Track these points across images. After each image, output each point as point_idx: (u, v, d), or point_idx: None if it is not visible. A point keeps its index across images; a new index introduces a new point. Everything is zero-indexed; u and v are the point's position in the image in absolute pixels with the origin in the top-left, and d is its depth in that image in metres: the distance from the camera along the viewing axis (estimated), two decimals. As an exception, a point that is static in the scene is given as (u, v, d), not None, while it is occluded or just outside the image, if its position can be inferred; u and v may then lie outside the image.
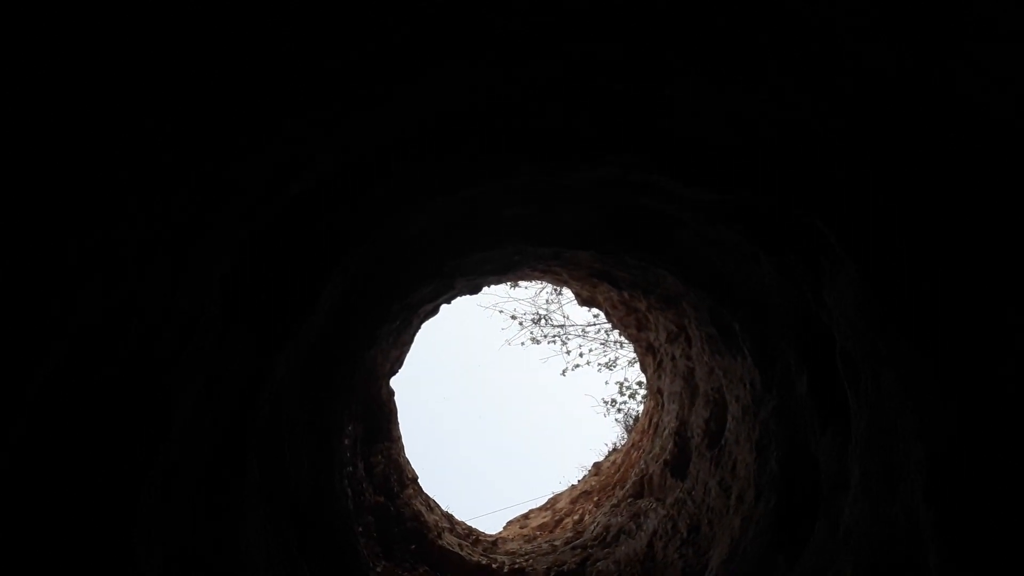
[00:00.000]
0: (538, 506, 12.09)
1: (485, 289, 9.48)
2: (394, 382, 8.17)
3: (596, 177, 4.23)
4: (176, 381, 2.61)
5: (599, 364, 14.50)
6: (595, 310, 11.06)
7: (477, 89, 3.18)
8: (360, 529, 6.33)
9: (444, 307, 8.43)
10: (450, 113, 3.36)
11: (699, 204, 4.32)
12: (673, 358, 8.26)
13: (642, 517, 7.68)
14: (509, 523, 11.50)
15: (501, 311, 14.43)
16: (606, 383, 16.25)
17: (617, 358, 14.26)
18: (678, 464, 7.62)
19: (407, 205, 3.90)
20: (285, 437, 4.61)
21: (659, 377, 8.93)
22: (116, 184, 1.99)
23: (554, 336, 14.55)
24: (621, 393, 14.02)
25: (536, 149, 3.75)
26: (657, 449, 8.42)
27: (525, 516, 11.71)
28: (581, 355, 14.51)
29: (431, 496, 8.75)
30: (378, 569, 6.57)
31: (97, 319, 1.89)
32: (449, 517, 8.85)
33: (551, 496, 12.30)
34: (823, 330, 4.79)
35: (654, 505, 7.65)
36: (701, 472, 7.03)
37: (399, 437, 8.23)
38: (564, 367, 14.60)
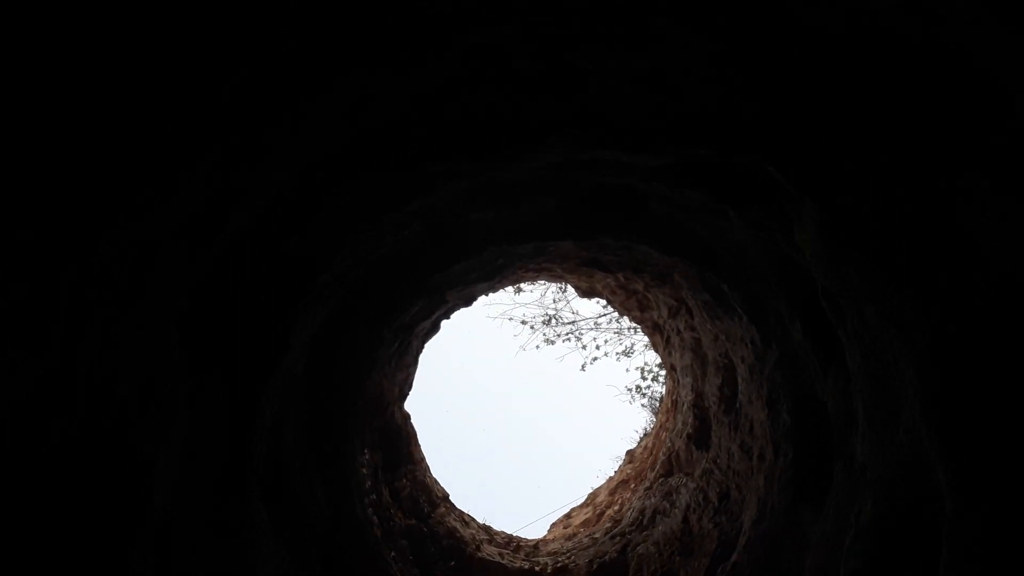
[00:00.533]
0: (579, 503, 12.04)
1: (487, 298, 9.52)
2: (415, 404, 8.22)
3: (549, 162, 4.25)
4: (147, 436, 2.65)
5: (616, 353, 14.49)
6: (601, 300, 11.10)
7: (415, 95, 3.21)
8: (393, 554, 6.35)
9: (445, 323, 8.51)
10: (389, 122, 3.40)
11: (657, 171, 4.33)
12: (679, 332, 8.24)
13: (674, 494, 7.65)
14: (553, 525, 11.45)
15: (510, 318, 14.44)
16: (627, 370, 16.16)
17: (633, 344, 14.24)
18: (700, 435, 7.59)
19: (364, 222, 3.94)
20: (291, 473, 4.64)
21: (670, 354, 8.91)
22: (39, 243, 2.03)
23: (567, 334, 14.55)
24: (643, 378, 14.00)
25: (483, 143, 3.77)
26: (680, 424, 8.39)
27: (568, 516, 11.66)
28: (598, 347, 14.51)
29: (465, 512, 8.75)
30: (419, 591, 6.58)
31: (40, 371, 1.92)
32: (487, 528, 8.84)
33: (590, 492, 12.26)
34: (804, 274, 4.78)
35: (684, 480, 7.61)
36: (722, 439, 6.99)
37: (422, 459, 8.24)
38: (583, 362, 14.61)
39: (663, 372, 12.86)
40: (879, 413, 4.26)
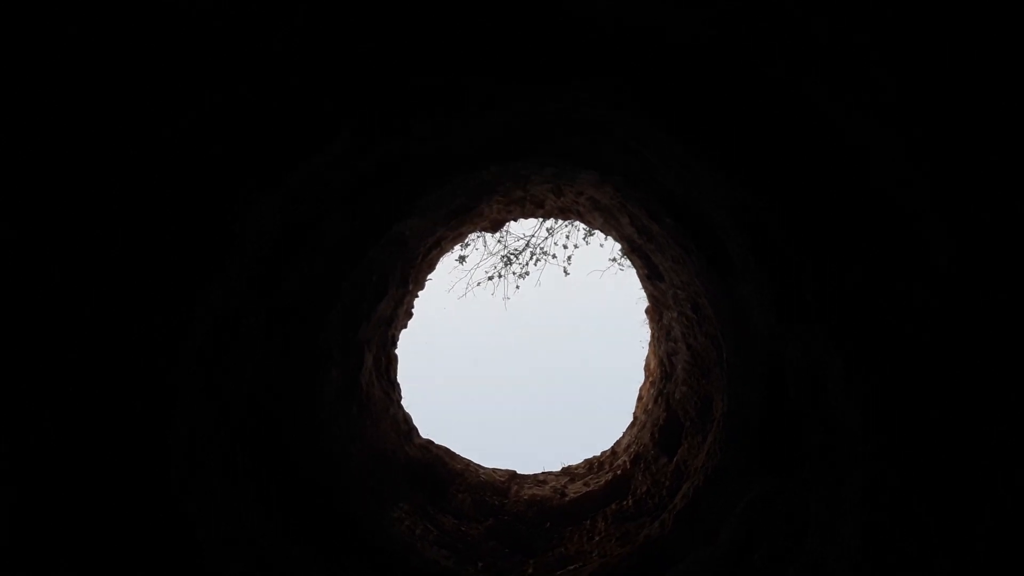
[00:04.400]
0: (642, 381, 12.20)
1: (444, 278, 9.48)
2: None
3: (291, 190, 4.25)
4: None
5: (584, 240, 14.44)
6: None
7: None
8: (480, 564, 6.52)
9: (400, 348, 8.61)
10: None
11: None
12: (577, 203, 8.20)
13: (670, 331, 7.72)
14: (633, 414, 11.64)
15: (478, 284, 14.45)
16: (600, 246, 16.05)
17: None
18: (651, 271, 7.63)
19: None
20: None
21: (590, 223, 8.89)
22: None
23: (533, 257, 14.52)
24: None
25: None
26: (638, 270, 8.44)
27: (640, 399, 11.82)
28: (564, 247, 14.48)
29: (539, 472, 8.91)
30: (529, 571, 6.76)
31: None
32: (567, 471, 8.99)
33: (644, 364, 12.40)
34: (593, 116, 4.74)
35: (669, 314, 7.68)
36: (660, 264, 7.04)
37: (466, 464, 8.38)
38: (562, 267, 14.58)
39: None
40: (701, 176, 4.28)
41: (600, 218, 8.11)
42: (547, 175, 6.70)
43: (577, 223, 14.38)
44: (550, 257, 14.51)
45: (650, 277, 7.69)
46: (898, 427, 3.17)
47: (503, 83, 3.82)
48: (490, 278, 14.42)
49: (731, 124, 3.57)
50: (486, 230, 9.84)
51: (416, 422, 8.60)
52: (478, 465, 8.54)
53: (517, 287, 14.69)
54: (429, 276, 10.11)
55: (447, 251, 10.43)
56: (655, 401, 8.18)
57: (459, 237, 9.49)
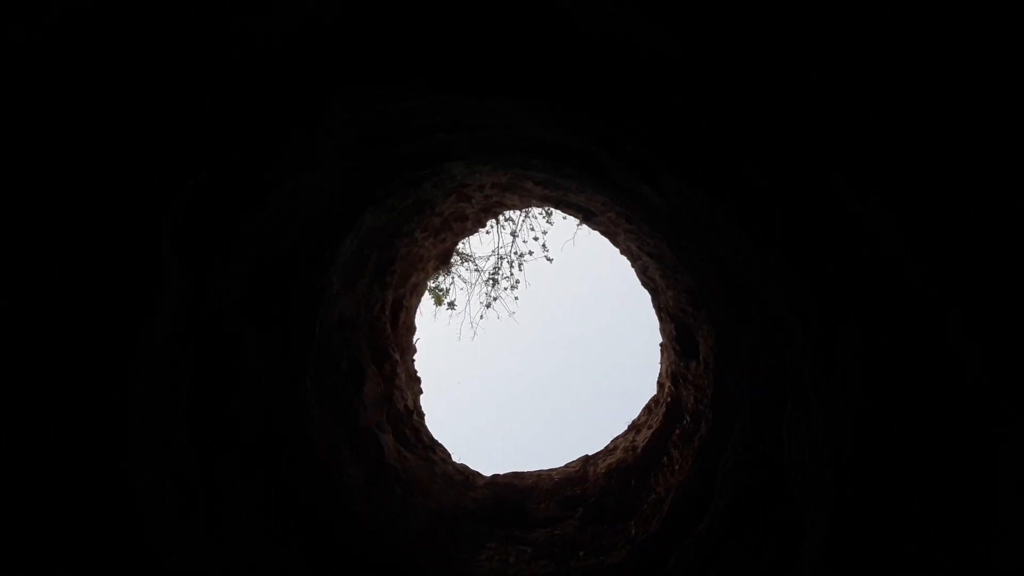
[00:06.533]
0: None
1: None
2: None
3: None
4: None
5: (547, 223, 14.37)
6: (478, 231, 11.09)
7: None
8: (583, 552, 6.48)
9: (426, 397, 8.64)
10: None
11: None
12: (490, 196, 8.23)
13: (630, 250, 7.70)
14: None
15: (481, 317, 14.46)
16: (564, 218, 15.98)
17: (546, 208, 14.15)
18: (584, 213, 7.62)
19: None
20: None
21: (514, 205, 8.92)
22: None
23: (513, 261, 14.47)
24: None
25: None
26: (576, 218, 8.43)
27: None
28: (536, 239, 14.43)
29: (607, 444, 8.84)
30: (632, 532, 6.70)
31: None
32: (633, 426, 8.91)
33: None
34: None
35: (620, 237, 7.66)
36: (578, 199, 7.05)
37: (538, 474, 8.34)
38: (544, 256, 14.52)
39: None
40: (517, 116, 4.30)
41: (515, 196, 8.13)
42: (428, 189, 6.74)
43: (531, 210, 14.42)
44: (528, 255, 14.48)
45: (587, 218, 7.69)
46: (796, 245, 3.15)
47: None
48: (487, 306, 14.43)
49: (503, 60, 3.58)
50: (439, 268, 9.90)
51: (476, 465, 8.64)
52: (549, 470, 8.50)
53: (516, 299, 14.60)
54: (416, 337, 10.16)
55: (416, 306, 10.49)
56: (661, 319, 8.11)
57: (418, 288, 9.54)
